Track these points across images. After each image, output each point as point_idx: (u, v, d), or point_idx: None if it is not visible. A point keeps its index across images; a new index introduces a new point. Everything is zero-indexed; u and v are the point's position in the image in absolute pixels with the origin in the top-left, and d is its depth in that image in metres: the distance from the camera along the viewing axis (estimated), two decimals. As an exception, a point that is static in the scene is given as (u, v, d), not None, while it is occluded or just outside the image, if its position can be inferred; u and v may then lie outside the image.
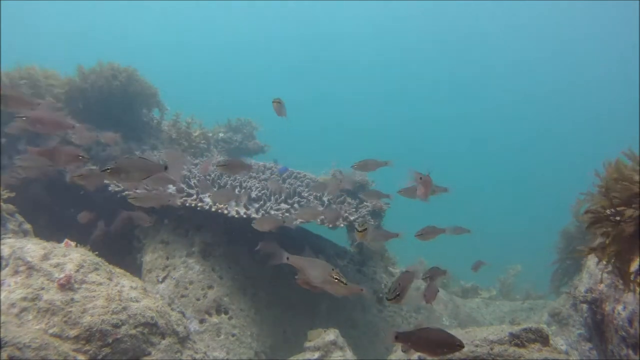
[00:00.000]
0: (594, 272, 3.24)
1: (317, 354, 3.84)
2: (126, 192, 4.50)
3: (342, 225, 4.77)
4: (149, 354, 2.81)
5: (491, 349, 2.76)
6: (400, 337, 1.95)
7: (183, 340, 3.11)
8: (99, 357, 2.60)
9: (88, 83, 5.48)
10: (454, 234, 3.68)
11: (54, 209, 5.03)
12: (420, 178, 3.03)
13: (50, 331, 2.57)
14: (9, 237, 3.16)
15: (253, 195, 4.70)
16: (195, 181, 4.73)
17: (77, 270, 2.86)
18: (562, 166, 30.90)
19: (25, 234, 3.87)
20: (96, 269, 2.95)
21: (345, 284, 2.13)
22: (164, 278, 4.47)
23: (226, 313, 4.39)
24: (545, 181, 30.53)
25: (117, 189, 4.60)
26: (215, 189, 4.66)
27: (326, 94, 38.42)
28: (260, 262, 4.86)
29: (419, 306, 5.96)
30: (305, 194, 4.93)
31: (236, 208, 4.46)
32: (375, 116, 37.09)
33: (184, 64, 33.07)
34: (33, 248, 2.93)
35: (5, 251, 2.90)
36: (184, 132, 6.34)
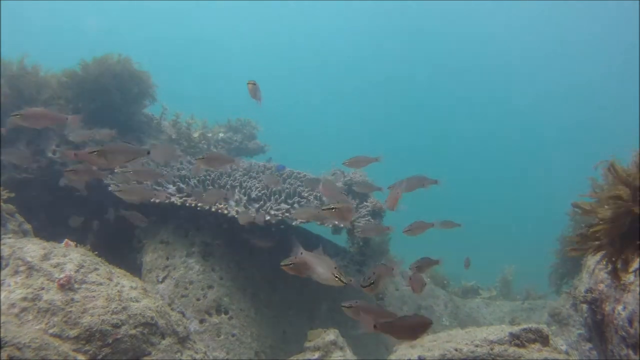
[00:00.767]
0: (594, 272, 3.23)
1: (317, 354, 3.84)
2: (112, 185, 4.48)
3: (342, 225, 4.77)
4: (149, 354, 2.81)
5: (491, 349, 2.76)
6: (379, 326, 2.07)
7: (183, 340, 3.11)
8: (99, 357, 2.60)
9: (87, 73, 5.45)
10: (444, 228, 3.69)
11: (54, 209, 5.03)
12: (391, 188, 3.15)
13: (50, 331, 2.57)
14: (9, 237, 3.16)
15: (253, 195, 4.70)
16: (195, 181, 4.73)
17: (77, 271, 2.86)
18: (562, 166, 30.91)
19: (25, 234, 3.87)
20: (96, 269, 2.95)
21: (344, 284, 2.22)
22: (164, 278, 4.47)
23: (226, 313, 4.39)
24: (545, 181, 30.54)
25: (117, 189, 4.59)
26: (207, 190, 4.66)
27: (326, 94, 38.42)
28: (260, 262, 4.86)
29: (419, 306, 5.96)
30: (305, 194, 4.93)
31: (236, 208, 4.46)
32: (376, 116, 37.08)
33: (184, 64, 33.13)
34: (33, 248, 2.93)
35: (5, 251, 2.90)
36: (184, 132, 6.34)
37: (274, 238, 4.65)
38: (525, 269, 8.80)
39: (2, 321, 2.43)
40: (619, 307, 2.65)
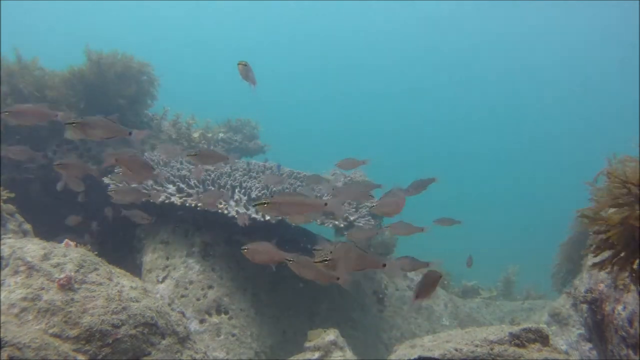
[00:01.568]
0: (594, 272, 3.23)
1: (317, 354, 3.84)
2: (108, 184, 4.48)
3: (341, 225, 4.78)
4: (149, 354, 2.81)
5: (491, 349, 2.76)
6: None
7: (183, 340, 3.11)
8: (99, 357, 2.60)
9: (92, 72, 5.44)
10: (443, 226, 3.69)
11: (54, 209, 5.03)
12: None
13: (50, 331, 2.57)
14: (9, 237, 3.16)
15: (253, 195, 4.70)
16: (195, 181, 4.73)
17: (77, 271, 2.86)
18: (563, 166, 30.90)
19: (25, 234, 3.87)
20: (96, 269, 2.95)
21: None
22: (164, 278, 4.47)
23: (226, 313, 4.39)
24: (545, 181, 30.54)
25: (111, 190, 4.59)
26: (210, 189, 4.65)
27: (327, 94, 38.41)
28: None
29: (419, 306, 5.96)
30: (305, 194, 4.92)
31: (236, 208, 4.46)
32: (376, 117, 37.09)
33: (184, 64, 33.11)
34: (33, 248, 2.93)
35: (5, 251, 2.90)
36: (184, 132, 6.34)
37: (272, 238, 4.65)
38: (526, 269, 8.81)
39: (2, 321, 2.43)
40: (619, 307, 2.65)
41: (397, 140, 35.06)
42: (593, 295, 3.02)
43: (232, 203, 4.53)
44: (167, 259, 4.61)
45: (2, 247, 2.93)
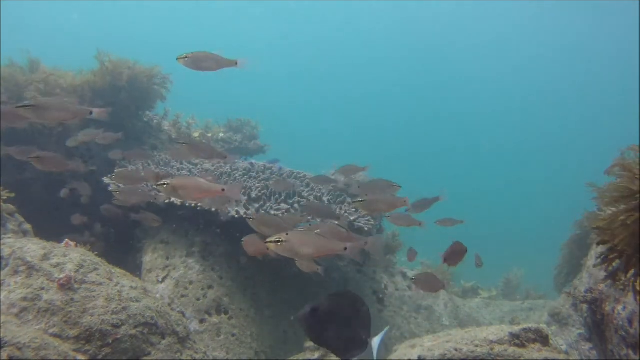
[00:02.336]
0: (594, 272, 3.23)
1: (317, 354, 3.84)
2: (112, 185, 4.49)
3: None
4: (149, 354, 2.81)
5: (491, 349, 2.76)
6: (299, 318, 1.95)
7: (183, 340, 3.11)
8: (99, 357, 2.60)
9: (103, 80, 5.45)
10: (445, 226, 3.68)
11: (54, 209, 5.03)
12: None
13: (50, 331, 2.57)
14: (9, 237, 3.16)
15: (253, 195, 4.70)
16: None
17: (77, 271, 2.86)
18: (563, 166, 30.92)
19: (25, 234, 3.87)
20: (96, 269, 2.95)
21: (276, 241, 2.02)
22: (164, 278, 4.47)
23: (226, 313, 4.39)
24: (545, 181, 30.54)
25: (117, 189, 4.59)
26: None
27: (327, 94, 38.41)
28: (260, 262, 4.86)
29: (419, 306, 5.96)
30: (305, 194, 4.93)
31: (236, 208, 4.46)
32: (376, 117, 37.10)
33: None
34: (33, 248, 2.93)
35: (5, 251, 2.90)
36: (184, 132, 6.35)
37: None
38: (525, 269, 8.81)
39: (2, 321, 2.43)
40: (619, 307, 2.65)
41: (397, 140, 35.07)
42: (593, 295, 3.02)
43: (233, 203, 4.52)
44: (167, 259, 4.61)
45: (2, 247, 2.93)
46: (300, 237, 2.10)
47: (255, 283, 4.75)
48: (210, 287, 4.45)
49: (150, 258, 4.63)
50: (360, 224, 4.84)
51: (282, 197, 4.76)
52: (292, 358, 3.98)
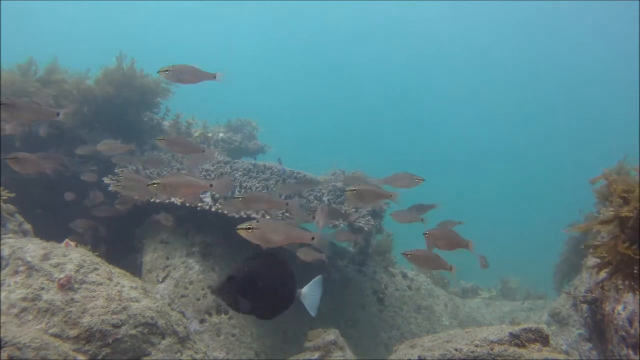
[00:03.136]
0: (594, 272, 3.23)
1: (317, 354, 3.84)
2: (112, 184, 4.49)
3: (341, 224, 4.77)
4: (149, 354, 2.81)
5: (491, 349, 2.76)
6: (216, 290, 1.93)
7: (183, 340, 3.11)
8: (99, 357, 2.60)
9: (103, 90, 5.50)
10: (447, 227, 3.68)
11: (55, 209, 5.03)
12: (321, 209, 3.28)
13: (50, 331, 2.57)
14: (9, 237, 3.16)
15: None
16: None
17: (77, 270, 2.86)
18: (563, 166, 30.90)
19: (25, 234, 3.87)
20: (96, 269, 2.95)
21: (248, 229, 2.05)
22: (164, 278, 4.47)
23: (226, 313, 4.39)
24: (545, 181, 30.53)
25: (117, 190, 4.59)
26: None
27: (327, 95, 38.40)
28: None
29: (419, 306, 5.96)
30: (305, 194, 4.93)
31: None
32: (376, 117, 37.09)
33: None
34: (33, 248, 2.93)
35: (5, 251, 2.90)
36: (184, 132, 6.35)
37: None
38: (526, 269, 8.81)
39: (2, 321, 2.43)
40: (619, 307, 2.65)
41: (397, 140, 35.05)
42: (593, 295, 3.02)
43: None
44: (167, 259, 4.61)
45: (2, 247, 2.93)
46: (269, 225, 2.19)
47: (255, 283, 4.75)
48: (210, 287, 4.45)
49: (150, 258, 4.63)
50: (361, 224, 4.85)
51: (282, 197, 4.76)
52: (292, 358, 3.98)
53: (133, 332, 2.75)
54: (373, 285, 5.62)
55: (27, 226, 3.97)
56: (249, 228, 2.11)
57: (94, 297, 2.77)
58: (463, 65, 36.02)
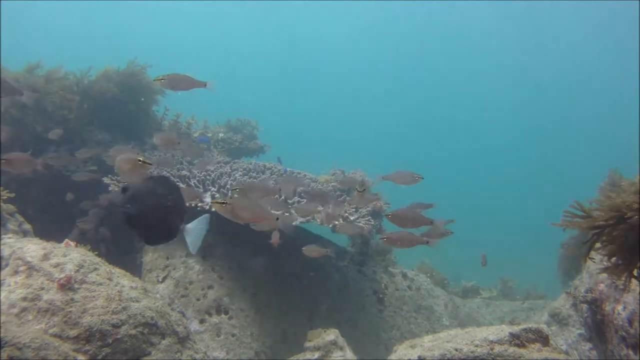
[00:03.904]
0: (594, 272, 3.23)
1: (317, 354, 3.84)
2: (112, 185, 4.50)
3: (336, 230, 4.77)
4: (149, 354, 2.81)
5: (491, 349, 2.76)
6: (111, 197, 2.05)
7: (183, 340, 3.11)
8: (99, 357, 2.60)
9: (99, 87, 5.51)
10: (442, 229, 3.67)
11: (54, 209, 5.03)
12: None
13: (50, 331, 2.57)
14: (9, 237, 3.16)
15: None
16: (195, 181, 4.73)
17: (77, 271, 2.86)
18: (563, 165, 30.91)
19: (25, 234, 3.87)
20: (96, 269, 2.95)
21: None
22: (164, 278, 4.47)
23: (226, 313, 4.39)
24: (545, 181, 30.53)
25: (117, 189, 4.59)
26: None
27: (327, 95, 38.40)
28: (260, 262, 4.86)
29: (419, 306, 5.96)
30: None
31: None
32: (376, 117, 37.09)
33: (184, 64, 33.11)
34: (33, 248, 2.93)
35: (5, 251, 2.90)
36: (184, 132, 6.34)
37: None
38: (526, 269, 8.80)
39: (2, 321, 2.43)
40: (619, 307, 2.65)
41: (396, 140, 35.04)
42: (593, 295, 3.02)
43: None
44: (167, 259, 4.61)
45: (2, 247, 2.93)
46: (241, 203, 2.41)
47: (255, 283, 4.75)
48: (210, 287, 4.45)
49: (150, 258, 4.63)
50: (361, 224, 4.85)
51: (282, 198, 4.76)
52: (292, 358, 3.98)
53: (133, 332, 2.75)
54: (373, 285, 5.62)
55: (27, 226, 3.97)
56: (223, 203, 2.34)
57: (94, 297, 2.77)
58: (463, 65, 36.01)
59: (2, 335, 2.27)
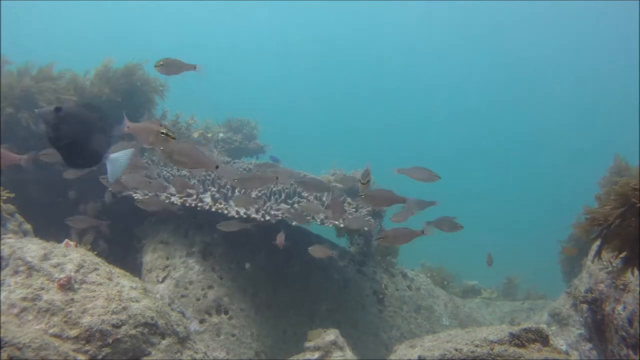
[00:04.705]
0: (594, 272, 3.23)
1: (317, 354, 3.84)
2: (135, 197, 4.50)
3: (341, 225, 4.77)
4: (149, 354, 2.81)
5: (491, 349, 2.76)
6: (41, 113, 1.99)
7: (183, 340, 3.11)
8: (99, 357, 2.60)
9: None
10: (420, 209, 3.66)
11: (54, 209, 5.02)
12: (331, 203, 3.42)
13: (50, 331, 2.57)
14: (9, 237, 3.16)
15: (253, 195, 4.70)
16: (195, 181, 4.73)
17: (77, 271, 2.86)
18: (563, 165, 30.91)
19: (25, 234, 3.87)
20: (96, 269, 2.95)
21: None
22: (164, 278, 4.47)
23: (226, 313, 4.39)
24: (545, 180, 30.53)
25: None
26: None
27: (327, 94, 38.39)
28: (260, 262, 4.86)
29: (419, 306, 5.96)
30: (305, 194, 4.93)
31: (236, 208, 4.46)
32: (376, 117, 37.08)
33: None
34: (33, 248, 2.93)
35: (5, 251, 2.90)
36: (184, 132, 6.34)
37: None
38: (526, 269, 8.80)
39: (2, 321, 2.43)
40: (619, 307, 2.65)
41: (397, 139, 35.03)
42: (593, 295, 3.02)
43: (232, 202, 4.53)
44: (167, 259, 4.60)
45: (2, 247, 2.93)
46: (180, 148, 2.46)
47: (255, 283, 4.75)
48: (210, 287, 4.45)
49: (150, 258, 4.62)
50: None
51: (282, 197, 4.76)
52: (292, 358, 3.98)
53: (133, 332, 2.75)
54: (373, 285, 5.62)
55: (27, 226, 3.97)
56: (163, 134, 2.39)
57: (94, 297, 2.77)
58: (463, 64, 36.01)
59: (2, 335, 2.27)
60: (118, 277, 3.06)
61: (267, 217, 4.43)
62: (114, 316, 2.72)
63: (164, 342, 2.92)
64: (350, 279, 5.49)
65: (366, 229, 5.21)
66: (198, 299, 4.35)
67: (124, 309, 2.79)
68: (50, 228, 4.43)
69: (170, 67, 3.15)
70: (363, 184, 3.13)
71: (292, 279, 5.06)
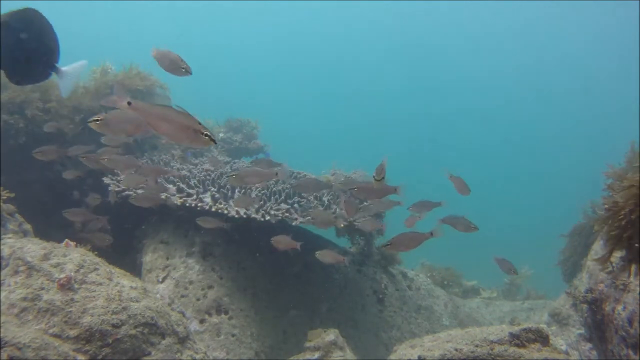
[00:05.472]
0: (594, 272, 3.23)
1: (317, 354, 3.84)
2: (126, 193, 4.51)
3: (341, 225, 4.77)
4: (149, 354, 2.81)
5: (491, 349, 2.76)
6: None
7: (183, 340, 3.11)
8: (99, 357, 2.60)
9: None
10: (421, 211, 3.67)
11: (54, 209, 5.02)
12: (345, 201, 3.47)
13: (50, 331, 2.57)
14: (9, 237, 3.16)
15: (253, 194, 4.70)
16: (195, 181, 4.73)
17: (77, 271, 2.86)
18: (563, 165, 30.90)
19: (25, 234, 3.87)
20: (96, 269, 2.95)
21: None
22: (164, 278, 4.47)
23: (226, 313, 4.39)
24: (545, 180, 30.53)
25: (117, 189, 4.60)
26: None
27: (327, 94, 38.38)
28: (260, 262, 4.86)
29: (419, 306, 5.96)
30: (305, 194, 4.93)
31: (236, 208, 4.46)
32: (375, 116, 37.07)
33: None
34: (33, 248, 2.93)
35: (5, 251, 2.90)
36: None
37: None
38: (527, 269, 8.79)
39: (2, 321, 2.43)
40: (619, 307, 2.64)
41: (397, 139, 35.02)
42: (593, 295, 3.02)
43: (232, 202, 4.53)
44: (167, 259, 4.61)
45: (2, 247, 2.93)
46: (122, 115, 2.03)
47: (255, 283, 4.75)
48: (210, 287, 4.45)
49: (150, 258, 4.63)
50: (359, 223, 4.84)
51: (282, 197, 4.76)
52: (292, 358, 3.98)
53: (133, 332, 2.75)
54: (373, 285, 5.62)
55: (27, 226, 3.97)
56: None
57: (94, 297, 2.77)
58: (462, 65, 35.99)
59: (2, 335, 2.28)
60: (118, 277, 3.06)
61: (267, 217, 4.43)
62: (114, 316, 2.72)
63: (164, 342, 2.92)
64: (350, 279, 5.49)
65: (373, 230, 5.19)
66: (198, 299, 4.35)
67: (124, 309, 2.79)
68: (50, 228, 4.43)
69: (163, 60, 3.17)
70: (377, 180, 3.01)
71: (293, 279, 5.06)
